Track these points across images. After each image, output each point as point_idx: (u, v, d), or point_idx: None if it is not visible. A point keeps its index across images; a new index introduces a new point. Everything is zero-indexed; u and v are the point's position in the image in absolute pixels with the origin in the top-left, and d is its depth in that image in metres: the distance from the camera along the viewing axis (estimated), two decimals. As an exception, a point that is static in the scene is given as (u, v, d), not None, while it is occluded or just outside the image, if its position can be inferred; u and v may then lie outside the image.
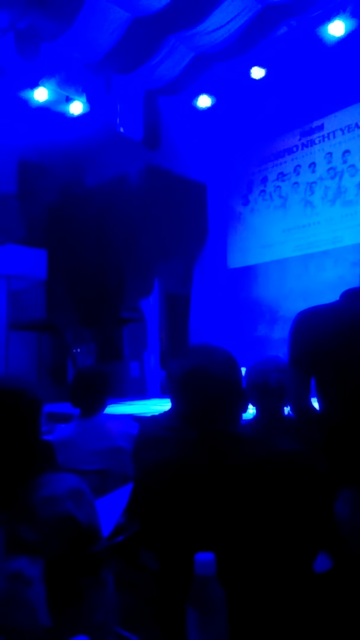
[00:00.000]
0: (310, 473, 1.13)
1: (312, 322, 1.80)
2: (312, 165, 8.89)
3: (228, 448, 1.16)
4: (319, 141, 8.82)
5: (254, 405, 2.20)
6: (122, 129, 8.51)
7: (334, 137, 8.64)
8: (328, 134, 8.71)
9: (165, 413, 2.28)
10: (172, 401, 1.27)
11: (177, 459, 1.20)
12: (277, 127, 9.06)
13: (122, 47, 7.23)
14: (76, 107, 8.16)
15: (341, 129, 8.54)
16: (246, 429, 1.53)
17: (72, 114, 8.22)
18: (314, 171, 8.87)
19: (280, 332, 8.31)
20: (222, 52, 7.52)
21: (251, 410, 2.12)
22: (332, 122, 8.63)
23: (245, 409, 1.28)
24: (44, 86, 7.69)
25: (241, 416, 1.27)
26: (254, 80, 8.09)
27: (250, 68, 7.93)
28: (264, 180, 9.52)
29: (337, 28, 7.03)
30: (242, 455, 1.14)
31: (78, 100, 8.12)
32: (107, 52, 7.35)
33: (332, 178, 8.61)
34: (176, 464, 1.19)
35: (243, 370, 1.66)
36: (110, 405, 2.82)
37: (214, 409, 1.20)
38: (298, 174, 9.07)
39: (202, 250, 9.98)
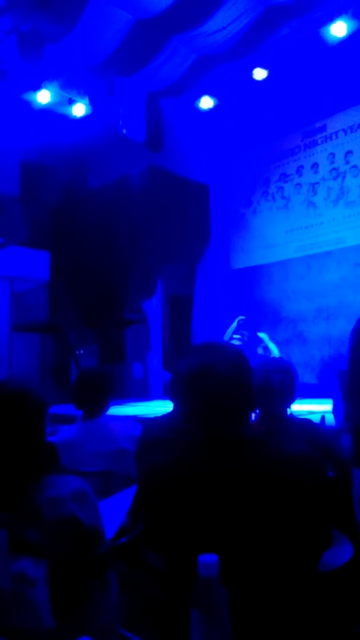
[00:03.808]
0: (317, 476, 1.12)
1: None
2: (315, 166, 8.89)
3: (233, 449, 1.15)
4: (322, 142, 8.82)
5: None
6: (124, 131, 8.52)
7: (337, 137, 8.63)
8: (330, 134, 8.71)
9: (168, 414, 2.28)
10: (176, 402, 1.27)
11: (180, 460, 1.19)
12: (279, 128, 9.06)
13: (125, 49, 7.24)
14: (79, 109, 8.18)
15: (343, 130, 8.54)
16: (249, 430, 1.52)
17: (75, 116, 8.23)
18: (316, 172, 8.86)
19: (283, 333, 8.32)
20: (225, 54, 7.53)
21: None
22: (334, 123, 8.63)
23: (254, 409, 1.25)
24: (47, 88, 7.71)
25: (250, 416, 1.23)
26: (257, 81, 8.09)
27: (253, 69, 7.92)
28: (267, 181, 9.52)
29: (339, 29, 7.02)
30: (247, 457, 1.13)
31: (81, 102, 8.14)
32: (110, 54, 7.36)
33: (335, 179, 8.60)
34: (180, 465, 1.18)
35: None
36: (113, 407, 2.83)
37: (221, 409, 1.17)
38: (301, 174, 9.07)
39: (205, 252, 9.98)
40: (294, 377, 2.18)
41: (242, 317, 7.13)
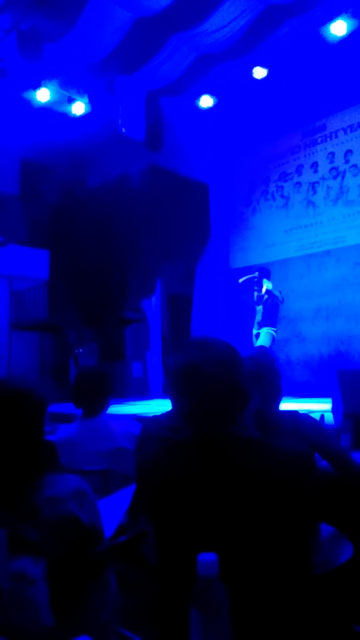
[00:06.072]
0: (310, 472, 1.12)
1: None
2: (314, 165, 8.89)
3: (224, 449, 1.13)
4: (321, 141, 8.81)
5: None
6: (124, 130, 8.51)
7: (336, 137, 8.63)
8: (330, 133, 8.71)
9: (168, 413, 2.28)
10: (170, 400, 1.25)
11: (173, 460, 1.18)
12: (279, 127, 9.06)
13: (124, 47, 7.24)
14: (78, 108, 8.18)
15: (343, 129, 8.54)
16: (242, 428, 1.50)
17: (75, 114, 8.23)
18: (316, 171, 8.86)
19: (283, 332, 8.31)
20: (224, 52, 7.53)
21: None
22: (334, 122, 8.63)
23: (246, 408, 1.20)
24: (47, 87, 7.71)
25: (241, 415, 1.19)
26: (256, 80, 8.10)
27: (253, 68, 7.93)
28: (266, 180, 9.51)
29: (339, 28, 7.03)
30: (237, 456, 1.12)
31: (80, 100, 8.14)
32: (110, 53, 7.36)
33: (335, 178, 8.60)
34: (172, 465, 1.18)
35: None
36: (113, 406, 2.83)
37: (211, 408, 1.14)
38: (300, 174, 9.07)
39: (205, 251, 9.97)
40: (265, 364, 2.06)
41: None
